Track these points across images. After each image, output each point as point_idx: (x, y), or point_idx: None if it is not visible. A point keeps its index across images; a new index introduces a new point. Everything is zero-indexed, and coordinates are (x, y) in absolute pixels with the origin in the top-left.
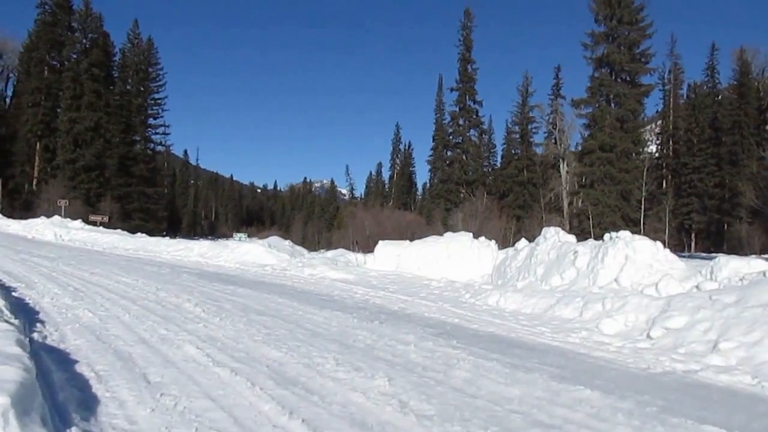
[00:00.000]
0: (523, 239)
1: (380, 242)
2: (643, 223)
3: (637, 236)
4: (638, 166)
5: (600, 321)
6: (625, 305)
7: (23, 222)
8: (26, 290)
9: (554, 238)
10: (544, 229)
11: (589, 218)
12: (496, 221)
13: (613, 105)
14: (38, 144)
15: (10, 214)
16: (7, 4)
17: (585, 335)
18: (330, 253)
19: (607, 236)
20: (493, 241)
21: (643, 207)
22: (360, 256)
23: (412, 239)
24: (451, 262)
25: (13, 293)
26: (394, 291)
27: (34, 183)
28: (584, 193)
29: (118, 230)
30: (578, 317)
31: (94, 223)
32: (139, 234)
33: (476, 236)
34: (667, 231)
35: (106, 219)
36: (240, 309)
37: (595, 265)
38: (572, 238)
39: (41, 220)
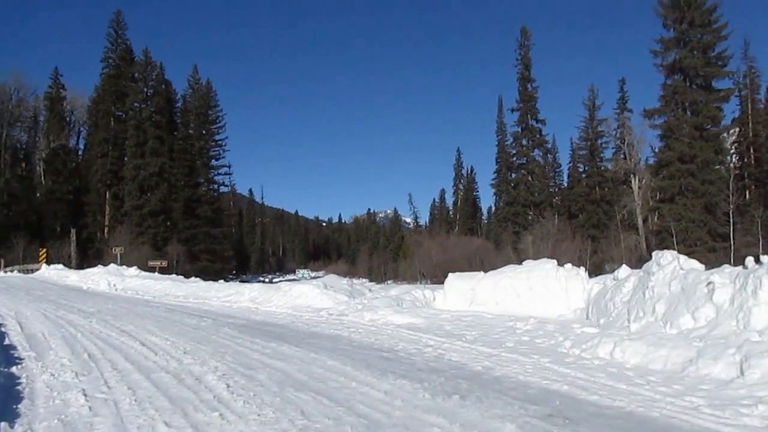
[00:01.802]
0: (624, 266)
1: (450, 276)
2: (733, 238)
3: None
4: (722, 176)
5: None
6: None
7: (81, 272)
8: (32, 362)
9: (673, 264)
10: (655, 253)
11: (672, 235)
12: (570, 243)
13: (689, 113)
14: (108, 193)
15: (83, 264)
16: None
17: (764, 411)
18: (394, 291)
19: (761, 260)
20: (582, 269)
21: (732, 220)
22: (428, 293)
23: (481, 265)
24: (534, 295)
25: (13, 368)
26: (474, 340)
27: (105, 231)
28: (664, 209)
29: (173, 276)
30: (738, 378)
31: (153, 269)
32: (193, 279)
33: (550, 260)
34: (761, 245)
35: (164, 264)
36: (276, 381)
37: (744, 300)
38: (696, 263)
39: (98, 270)
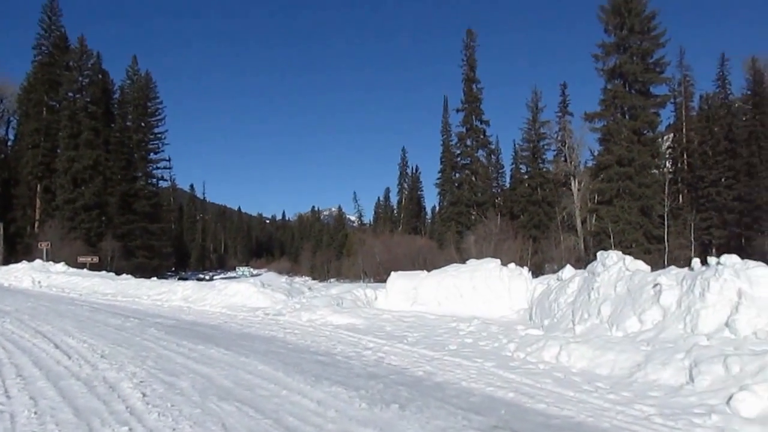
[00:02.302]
0: (568, 266)
1: (392, 274)
2: (667, 240)
3: (751, 262)
4: (658, 180)
5: (731, 394)
6: (765, 368)
7: (4, 268)
8: None
9: (618, 265)
10: (600, 253)
11: (609, 236)
12: (512, 242)
13: (627, 117)
14: (39, 186)
15: (11, 260)
16: (6, 48)
17: (717, 421)
18: (335, 290)
19: (708, 262)
20: (525, 269)
21: (666, 223)
22: (370, 292)
23: (425, 265)
24: (478, 295)
25: None
26: (415, 342)
27: (36, 226)
28: (602, 211)
29: (103, 272)
30: (688, 385)
31: (83, 265)
32: (124, 276)
33: (494, 260)
34: (693, 248)
35: (95, 260)
36: (199, 389)
37: (692, 303)
38: (642, 264)
39: (22, 266)
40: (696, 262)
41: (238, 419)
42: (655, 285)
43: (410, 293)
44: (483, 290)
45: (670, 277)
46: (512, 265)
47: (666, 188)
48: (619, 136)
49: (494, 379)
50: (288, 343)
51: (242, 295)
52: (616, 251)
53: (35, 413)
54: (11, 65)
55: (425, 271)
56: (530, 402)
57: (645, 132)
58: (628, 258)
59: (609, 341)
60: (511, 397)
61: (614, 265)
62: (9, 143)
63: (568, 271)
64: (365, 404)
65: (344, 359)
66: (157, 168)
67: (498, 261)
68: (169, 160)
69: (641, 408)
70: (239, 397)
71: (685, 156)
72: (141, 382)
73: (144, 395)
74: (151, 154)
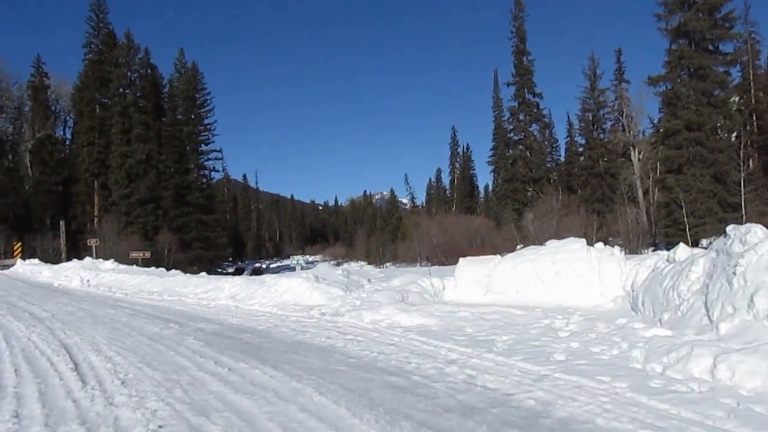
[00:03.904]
0: (682, 245)
1: (461, 261)
2: (744, 208)
3: None
4: (732, 144)
5: None
6: None
7: (55, 267)
8: None
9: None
10: (734, 228)
11: (681, 207)
12: (575, 218)
13: (695, 78)
14: (96, 182)
15: (73, 256)
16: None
17: None
18: (397, 281)
19: None
20: (617, 248)
21: (743, 190)
22: (437, 282)
23: (482, 245)
24: (562, 281)
25: None
26: (508, 350)
27: (95, 222)
28: (671, 180)
29: (151, 269)
30: None
31: (135, 260)
32: (172, 272)
33: (578, 239)
34: None
35: (147, 255)
36: None
37: None
38: None
39: (72, 264)
40: None
41: None
42: None
43: (483, 281)
44: (568, 275)
45: None
46: (600, 245)
47: (741, 152)
48: (687, 100)
49: (640, 411)
50: (350, 355)
51: (294, 292)
52: (758, 225)
53: None
54: (66, 65)
55: (497, 256)
56: None
57: (715, 93)
58: None
59: None
60: None
61: (762, 243)
62: (67, 142)
63: (683, 250)
64: None
65: (423, 380)
66: (209, 159)
67: (583, 240)
68: (220, 151)
69: None
70: None
71: (754, 118)
72: (160, 427)
73: None
74: (202, 145)
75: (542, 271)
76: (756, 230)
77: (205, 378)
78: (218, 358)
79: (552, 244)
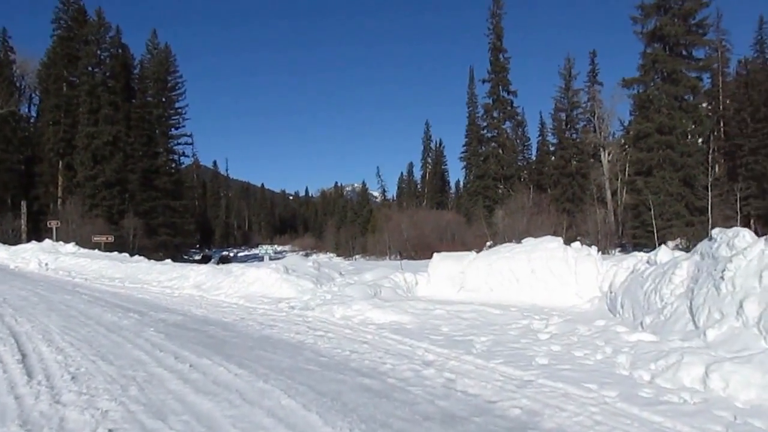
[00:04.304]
0: (663, 246)
1: (435, 256)
2: (711, 212)
3: None
4: (701, 148)
5: None
6: None
7: (13, 249)
8: None
9: (758, 247)
10: (720, 231)
11: (650, 209)
12: (546, 217)
13: (668, 82)
14: (60, 163)
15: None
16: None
17: None
18: (369, 275)
19: None
20: (594, 248)
21: (710, 194)
22: (409, 277)
23: (453, 240)
24: (537, 280)
25: None
26: (487, 351)
27: (59, 203)
28: (641, 182)
29: (114, 254)
30: None
31: (98, 245)
32: (135, 258)
33: (555, 238)
34: (739, 220)
35: (111, 239)
36: None
37: None
38: None
39: (30, 246)
40: None
41: None
42: None
43: (456, 278)
44: (544, 274)
45: None
46: (577, 244)
47: (709, 157)
48: (659, 103)
49: (633, 424)
50: (320, 353)
51: (263, 283)
52: (746, 230)
53: None
54: (32, 41)
55: (473, 253)
56: None
57: (686, 98)
58: (764, 239)
59: None
60: None
61: (751, 248)
62: (31, 120)
63: (665, 253)
64: None
65: (400, 384)
66: (179, 144)
67: (560, 239)
68: (190, 136)
69: None
70: None
71: (721, 124)
72: (110, 431)
73: None
74: (172, 129)
75: (518, 269)
76: (744, 234)
77: (164, 375)
78: (179, 353)
79: (528, 242)
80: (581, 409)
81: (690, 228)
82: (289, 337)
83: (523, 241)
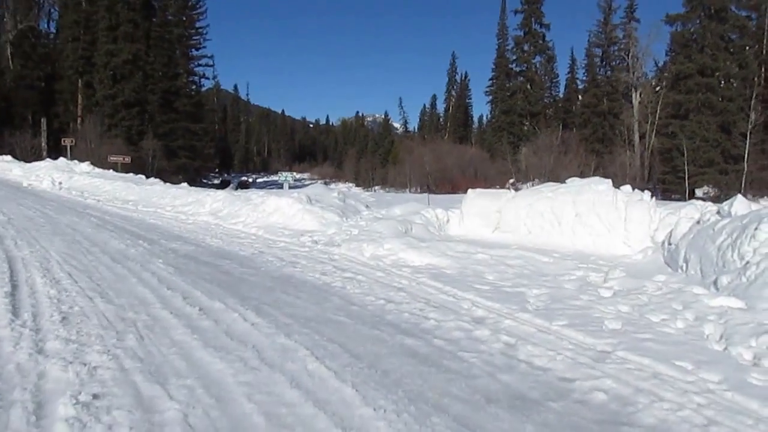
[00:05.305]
0: (739, 196)
1: (470, 193)
2: (747, 161)
3: None
4: (743, 93)
5: None
6: None
7: (27, 166)
8: None
9: None
10: None
11: (683, 154)
12: (573, 157)
13: (715, 21)
14: (80, 81)
15: (53, 155)
16: None
17: None
18: (398, 209)
19: None
20: (647, 193)
21: (748, 142)
22: (441, 213)
23: (476, 176)
24: (582, 224)
25: None
26: (545, 309)
27: (79, 122)
28: (676, 125)
29: (130, 175)
30: None
31: (114, 165)
32: (150, 180)
33: (603, 180)
34: None
35: (128, 159)
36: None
37: None
38: None
39: (45, 164)
40: None
41: None
42: None
43: (491, 217)
44: (590, 219)
45: None
46: (627, 188)
47: (752, 102)
48: (703, 42)
49: (758, 427)
50: (351, 301)
51: (283, 214)
52: None
53: None
54: None
55: (510, 191)
56: None
57: (733, 38)
58: None
59: None
60: None
61: None
62: (51, 36)
63: (741, 204)
64: None
65: (449, 347)
66: (200, 65)
67: (609, 181)
68: (211, 57)
69: None
70: None
71: (763, 69)
72: (94, 397)
73: None
74: (193, 50)
75: (561, 211)
76: None
77: (169, 320)
78: (189, 292)
79: (573, 182)
80: (683, 398)
81: (723, 176)
82: (313, 278)
83: (567, 181)
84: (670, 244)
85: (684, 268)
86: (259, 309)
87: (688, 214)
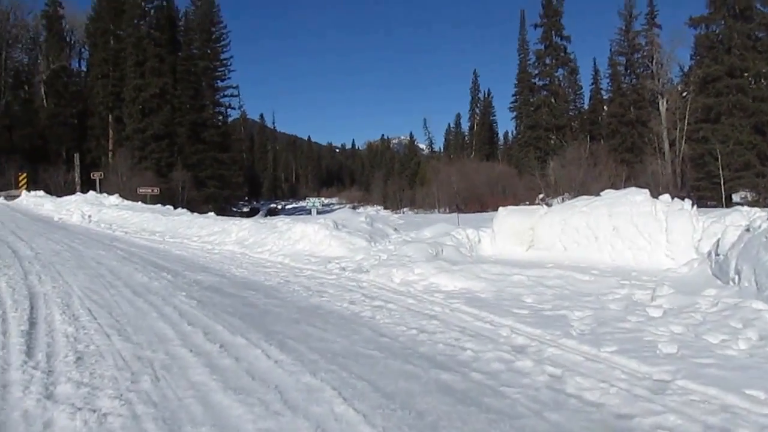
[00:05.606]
0: None
1: (501, 210)
2: None
3: None
4: None
5: None
6: None
7: (58, 200)
8: None
9: None
10: None
11: (717, 159)
12: (602, 168)
13: (740, 20)
14: (110, 116)
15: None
16: None
17: None
18: (428, 232)
19: None
20: (688, 202)
21: None
22: (471, 233)
23: (504, 193)
24: (620, 238)
25: None
26: (591, 333)
27: (110, 156)
28: (707, 130)
29: (158, 206)
30: None
31: (143, 197)
32: (178, 211)
33: (641, 190)
34: None
35: (156, 191)
36: None
37: None
38: None
39: (75, 198)
40: None
41: None
42: None
43: (525, 235)
44: (628, 232)
45: None
46: (666, 197)
47: None
48: (729, 43)
49: None
50: (381, 332)
51: (310, 240)
52: None
53: None
54: None
55: (543, 206)
56: None
57: (761, 36)
58: None
59: None
60: None
61: None
62: (82, 75)
63: None
64: None
65: (489, 381)
66: (225, 96)
67: (646, 191)
68: (236, 88)
69: None
70: None
71: None
72: None
73: None
74: (218, 81)
75: (597, 225)
76: None
77: (188, 359)
78: (210, 327)
79: (608, 194)
80: None
81: (761, 179)
82: (341, 308)
83: (601, 193)
84: (717, 254)
85: (736, 280)
86: (283, 344)
87: (735, 222)
